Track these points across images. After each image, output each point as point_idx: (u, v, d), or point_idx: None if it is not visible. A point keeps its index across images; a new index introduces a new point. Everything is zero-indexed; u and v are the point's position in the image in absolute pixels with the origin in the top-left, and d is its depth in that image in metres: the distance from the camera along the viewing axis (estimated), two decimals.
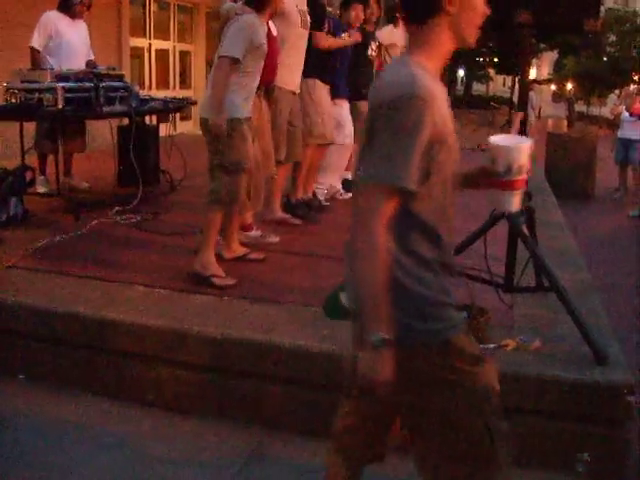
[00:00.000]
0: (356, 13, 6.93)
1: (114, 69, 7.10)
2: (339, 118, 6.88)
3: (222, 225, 4.56)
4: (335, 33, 6.51)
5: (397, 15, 8.45)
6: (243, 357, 3.52)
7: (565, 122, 27.27)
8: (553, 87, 51.38)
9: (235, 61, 4.25)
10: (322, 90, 6.38)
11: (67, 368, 3.87)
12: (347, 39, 6.52)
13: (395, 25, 8.48)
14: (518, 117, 3.86)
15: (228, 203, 4.41)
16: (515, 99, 15.96)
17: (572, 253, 5.48)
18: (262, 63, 4.53)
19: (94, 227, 5.64)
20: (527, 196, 3.82)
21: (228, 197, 4.36)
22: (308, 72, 6.07)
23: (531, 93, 17.00)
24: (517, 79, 13.90)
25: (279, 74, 5.49)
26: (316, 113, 6.25)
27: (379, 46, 7.88)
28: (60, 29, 6.98)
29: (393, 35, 8.38)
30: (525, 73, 3.77)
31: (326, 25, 6.32)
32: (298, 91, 5.94)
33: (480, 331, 3.50)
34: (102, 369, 3.80)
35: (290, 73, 5.69)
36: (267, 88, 5.36)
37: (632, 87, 12.70)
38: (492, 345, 3.47)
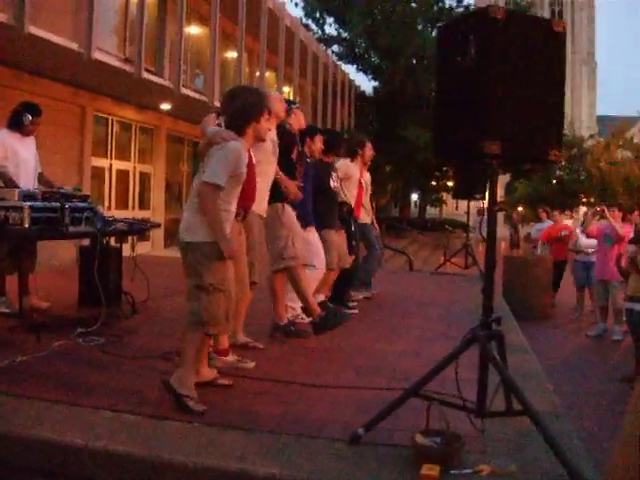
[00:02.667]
0: (319, 145, 7.21)
1: (80, 189, 7.15)
2: (310, 244, 6.93)
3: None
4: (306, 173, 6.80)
5: (358, 151, 8.79)
6: None
7: (509, 244, 27.82)
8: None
9: (219, 188, 4.30)
10: (291, 213, 6.47)
11: None
12: (293, 186, 6.41)
13: (353, 159, 8.85)
14: None
15: (208, 324, 4.37)
16: (471, 223, 16.38)
17: (538, 376, 5.53)
18: (240, 188, 4.58)
19: (56, 348, 5.54)
20: (496, 321, 3.88)
21: (208, 318, 4.34)
22: (277, 198, 6.19)
23: (479, 217, 17.45)
24: (482, 203, 14.27)
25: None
26: (287, 236, 6.32)
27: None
28: (15, 148, 7.03)
29: (349, 169, 8.71)
30: (493, 201, 3.87)
31: (294, 153, 6.50)
32: (265, 215, 6.02)
33: (455, 457, 3.48)
34: None
35: (258, 198, 5.71)
36: (245, 214, 5.38)
37: (590, 211, 13.22)
38: (467, 470, 3.43)
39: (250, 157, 5.03)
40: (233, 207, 4.58)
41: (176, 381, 4.29)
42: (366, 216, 9.47)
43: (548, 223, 15.65)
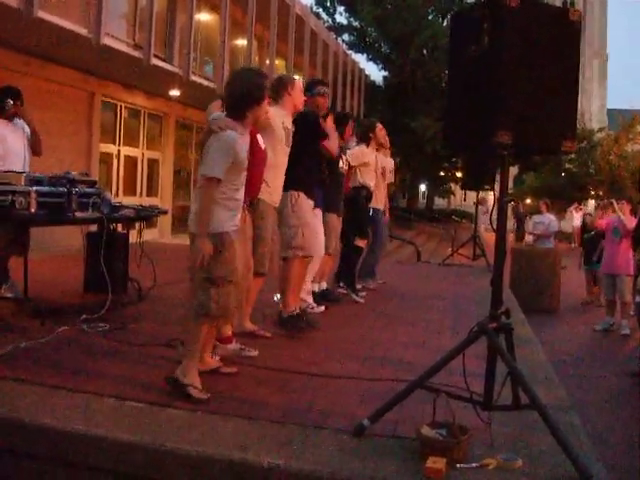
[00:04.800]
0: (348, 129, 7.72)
1: (87, 175, 7.10)
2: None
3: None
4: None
5: (370, 135, 8.78)
6: (219, 476, 3.38)
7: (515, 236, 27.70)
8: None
9: (218, 181, 4.25)
10: (305, 203, 6.42)
11: None
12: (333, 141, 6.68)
13: (368, 145, 8.80)
14: None
15: (217, 316, 4.35)
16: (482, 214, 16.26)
17: (545, 369, 5.48)
18: (245, 175, 4.53)
19: (61, 335, 5.51)
20: (505, 314, 3.83)
21: (217, 310, 4.29)
22: (293, 185, 6.20)
23: (481, 207, 17.26)
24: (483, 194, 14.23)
25: (263, 189, 5.58)
26: (297, 225, 6.29)
27: (348, 163, 8.08)
28: (4, 134, 6.95)
29: (364, 155, 8.65)
30: (503, 192, 3.82)
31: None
32: (277, 205, 6.00)
33: (461, 450, 3.44)
34: None
35: (272, 188, 5.77)
36: (252, 201, 5.41)
37: (599, 204, 13.37)
38: (474, 464, 3.39)
39: (257, 143, 5.04)
40: (240, 195, 4.52)
41: (180, 372, 4.27)
42: (379, 202, 9.32)
43: (549, 216, 15.57)
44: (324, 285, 8.27)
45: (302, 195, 6.37)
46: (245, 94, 4.49)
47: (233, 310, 4.47)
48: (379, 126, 9.05)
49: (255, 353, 5.35)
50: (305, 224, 6.36)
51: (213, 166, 4.26)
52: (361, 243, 8.59)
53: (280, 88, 6.05)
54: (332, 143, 6.63)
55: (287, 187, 6.13)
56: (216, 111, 4.86)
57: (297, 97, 6.10)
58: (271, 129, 5.68)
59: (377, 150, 9.08)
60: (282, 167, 5.92)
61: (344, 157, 7.82)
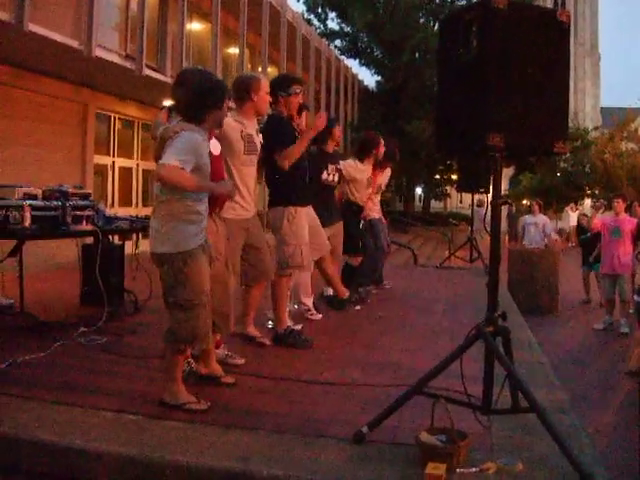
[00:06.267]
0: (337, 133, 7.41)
1: (81, 187, 7.09)
2: None
3: None
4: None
5: (373, 151, 8.51)
6: None
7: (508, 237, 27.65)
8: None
9: (181, 169, 3.86)
10: (302, 217, 6.14)
11: None
12: (308, 131, 6.03)
13: (362, 161, 8.49)
14: None
15: (188, 341, 4.19)
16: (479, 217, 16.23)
17: (545, 371, 5.47)
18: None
19: (58, 348, 5.50)
20: (502, 316, 3.82)
21: (185, 335, 4.14)
22: (290, 200, 6.02)
23: (478, 209, 17.16)
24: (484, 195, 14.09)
25: (227, 204, 5.09)
26: (297, 244, 6.03)
27: (339, 175, 7.71)
28: None
29: (357, 171, 8.41)
30: (497, 195, 3.80)
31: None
32: (251, 215, 5.64)
33: (461, 455, 3.43)
34: None
35: (239, 201, 5.44)
36: (221, 208, 4.98)
37: (599, 203, 13.28)
38: (473, 469, 3.38)
39: (210, 150, 4.48)
40: (204, 208, 4.22)
41: (169, 396, 4.22)
42: (373, 212, 9.14)
43: (542, 217, 15.53)
44: (330, 291, 8.22)
45: (299, 209, 6.09)
46: (205, 96, 4.14)
47: (205, 333, 4.23)
48: (382, 143, 8.65)
49: (241, 361, 5.27)
50: (304, 242, 6.11)
51: (173, 154, 3.87)
52: (354, 261, 8.49)
53: (242, 93, 5.52)
54: (295, 148, 5.88)
55: (282, 202, 6.00)
56: (163, 121, 4.61)
57: (261, 101, 5.56)
58: (227, 142, 5.27)
59: (375, 166, 8.79)
60: (248, 178, 5.57)
61: (330, 167, 7.42)
